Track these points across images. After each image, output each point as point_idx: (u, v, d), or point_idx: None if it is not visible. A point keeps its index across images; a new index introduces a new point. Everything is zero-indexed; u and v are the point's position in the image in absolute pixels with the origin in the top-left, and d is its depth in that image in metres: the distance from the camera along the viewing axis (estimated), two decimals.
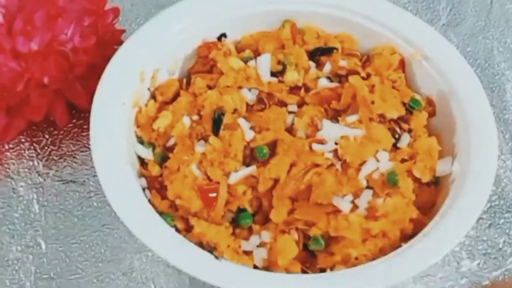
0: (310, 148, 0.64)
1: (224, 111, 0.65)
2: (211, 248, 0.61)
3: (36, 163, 0.72)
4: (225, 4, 0.73)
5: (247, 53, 0.71)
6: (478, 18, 0.87)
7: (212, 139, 0.64)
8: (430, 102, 0.71)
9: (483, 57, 0.84)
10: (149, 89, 0.70)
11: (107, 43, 0.74)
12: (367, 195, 0.63)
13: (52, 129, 0.74)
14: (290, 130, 0.66)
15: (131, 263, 0.67)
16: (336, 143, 0.64)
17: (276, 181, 0.63)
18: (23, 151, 0.73)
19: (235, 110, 0.66)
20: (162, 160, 0.66)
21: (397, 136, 0.67)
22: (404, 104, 0.69)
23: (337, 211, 0.62)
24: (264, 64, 0.69)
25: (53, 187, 0.71)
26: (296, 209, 0.63)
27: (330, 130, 0.65)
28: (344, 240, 0.62)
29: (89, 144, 0.70)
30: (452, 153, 0.67)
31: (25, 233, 0.68)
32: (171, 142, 0.66)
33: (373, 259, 0.61)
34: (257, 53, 0.71)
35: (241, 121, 0.65)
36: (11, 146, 0.73)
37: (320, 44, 0.73)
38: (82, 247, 0.68)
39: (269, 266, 0.62)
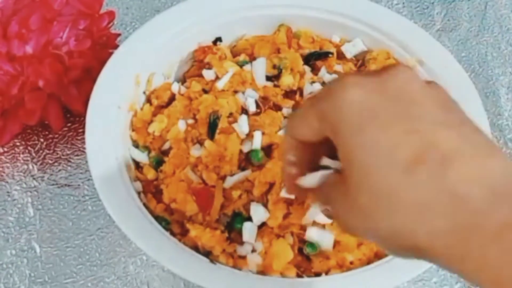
0: None
1: (219, 115, 0.65)
2: (206, 252, 0.61)
3: (31, 167, 0.72)
4: (220, 8, 0.73)
5: (243, 57, 0.71)
6: (472, 23, 0.88)
7: (207, 143, 0.64)
8: None
9: (477, 62, 0.84)
10: (144, 92, 0.70)
11: (102, 46, 0.74)
12: None
13: (47, 132, 0.74)
14: None
15: (126, 267, 0.67)
16: None
17: (271, 185, 0.63)
18: (17, 155, 0.72)
19: (230, 114, 0.66)
20: (158, 163, 0.66)
21: None
22: None
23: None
24: (260, 68, 0.69)
25: (47, 191, 0.70)
26: (292, 213, 0.63)
27: None
28: (339, 245, 0.62)
29: (84, 148, 0.71)
30: None
31: (19, 236, 0.68)
32: (166, 146, 0.66)
33: (368, 263, 0.61)
34: (252, 57, 0.72)
35: (237, 125, 0.65)
36: (5, 149, 0.73)
37: (315, 49, 0.73)
38: (76, 251, 0.67)
39: (264, 270, 0.62)
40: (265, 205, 0.63)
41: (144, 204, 0.63)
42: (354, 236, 0.44)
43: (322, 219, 0.62)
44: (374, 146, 0.37)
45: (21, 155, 0.72)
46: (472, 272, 0.35)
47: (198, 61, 0.72)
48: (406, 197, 0.36)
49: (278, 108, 0.68)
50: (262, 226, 0.63)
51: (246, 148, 0.64)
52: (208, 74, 0.70)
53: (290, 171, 0.44)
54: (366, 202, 0.37)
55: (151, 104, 0.69)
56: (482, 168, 0.36)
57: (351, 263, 0.62)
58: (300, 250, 0.63)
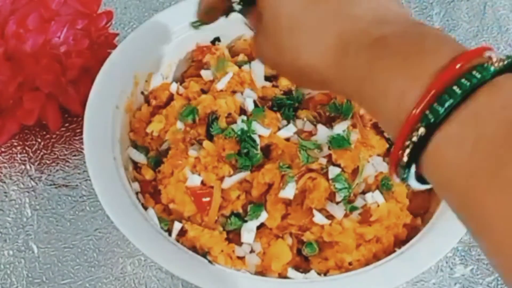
0: None
1: (218, 115, 0.65)
2: (204, 253, 0.61)
3: (28, 167, 0.71)
4: None
5: (241, 57, 0.71)
6: (471, 23, 0.87)
7: (206, 143, 0.64)
8: None
9: None
10: (142, 93, 0.70)
11: (100, 46, 0.74)
12: (361, 200, 0.63)
13: (44, 133, 0.74)
14: None
15: (124, 268, 0.67)
16: (329, 148, 0.64)
17: (270, 185, 0.63)
18: (15, 155, 0.72)
19: (229, 115, 0.66)
20: (156, 164, 0.66)
21: (391, 141, 0.67)
22: None
23: (331, 216, 0.62)
24: (258, 68, 0.69)
25: (45, 191, 0.70)
26: (290, 214, 0.62)
27: (324, 135, 0.64)
28: (338, 245, 0.62)
29: (82, 148, 0.70)
30: None
31: (17, 237, 0.68)
32: (164, 146, 0.66)
33: (367, 264, 0.61)
34: (251, 57, 0.71)
35: (235, 125, 0.65)
36: (3, 149, 0.72)
37: None
38: (74, 252, 0.67)
39: (263, 271, 0.62)
40: (264, 206, 0.63)
41: (142, 205, 0.63)
42: (270, 67, 0.50)
43: (321, 219, 0.62)
44: None
45: (19, 155, 0.72)
46: (348, 87, 0.40)
47: (197, 61, 0.72)
48: (305, 20, 0.41)
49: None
50: (260, 226, 0.63)
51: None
52: (207, 74, 0.69)
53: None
54: (276, 36, 0.43)
55: (149, 104, 0.69)
56: (378, 5, 0.41)
57: (350, 264, 0.62)
58: (299, 251, 0.63)
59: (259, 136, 0.64)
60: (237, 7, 0.49)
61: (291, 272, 0.61)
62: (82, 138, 0.63)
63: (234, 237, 0.63)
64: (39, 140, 0.73)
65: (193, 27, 0.56)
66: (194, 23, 0.55)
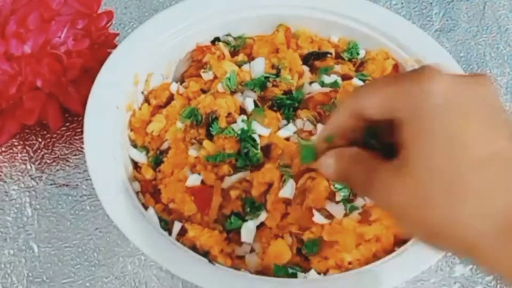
0: None
1: (218, 115, 0.65)
2: (204, 252, 0.61)
3: (28, 167, 0.72)
4: (219, 8, 0.73)
5: (241, 57, 0.71)
6: (471, 23, 0.88)
7: (206, 143, 0.64)
8: None
9: (475, 63, 0.84)
10: (143, 92, 0.70)
11: (101, 46, 0.74)
12: (360, 199, 0.63)
13: (45, 132, 0.74)
14: None
15: (124, 267, 0.67)
16: None
17: (269, 185, 0.63)
18: (15, 154, 0.72)
19: (228, 114, 0.66)
20: (156, 163, 0.66)
21: None
22: None
23: (330, 215, 0.62)
24: (258, 68, 0.69)
25: (45, 191, 0.70)
26: (290, 214, 0.63)
27: None
28: (338, 245, 0.62)
29: (82, 148, 0.71)
30: None
31: (17, 236, 0.68)
32: (165, 145, 0.66)
33: (367, 263, 0.61)
34: (251, 57, 0.71)
35: (235, 125, 0.65)
36: (3, 149, 0.72)
37: (314, 49, 0.73)
38: (74, 251, 0.67)
39: (263, 271, 0.62)
40: (264, 206, 0.63)
41: (142, 204, 0.63)
42: (394, 215, 0.43)
43: (321, 219, 0.62)
44: (455, 135, 0.39)
45: (19, 155, 0.72)
46: None
47: (197, 61, 0.72)
48: (472, 187, 0.38)
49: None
50: (260, 226, 0.63)
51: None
52: (207, 74, 0.70)
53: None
54: (428, 185, 0.39)
55: (149, 104, 0.69)
56: None
57: (350, 263, 0.62)
58: (299, 250, 0.63)
59: (259, 135, 0.64)
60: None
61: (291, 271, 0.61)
62: (82, 138, 0.63)
63: (234, 236, 0.63)
64: (40, 139, 0.73)
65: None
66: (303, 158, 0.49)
